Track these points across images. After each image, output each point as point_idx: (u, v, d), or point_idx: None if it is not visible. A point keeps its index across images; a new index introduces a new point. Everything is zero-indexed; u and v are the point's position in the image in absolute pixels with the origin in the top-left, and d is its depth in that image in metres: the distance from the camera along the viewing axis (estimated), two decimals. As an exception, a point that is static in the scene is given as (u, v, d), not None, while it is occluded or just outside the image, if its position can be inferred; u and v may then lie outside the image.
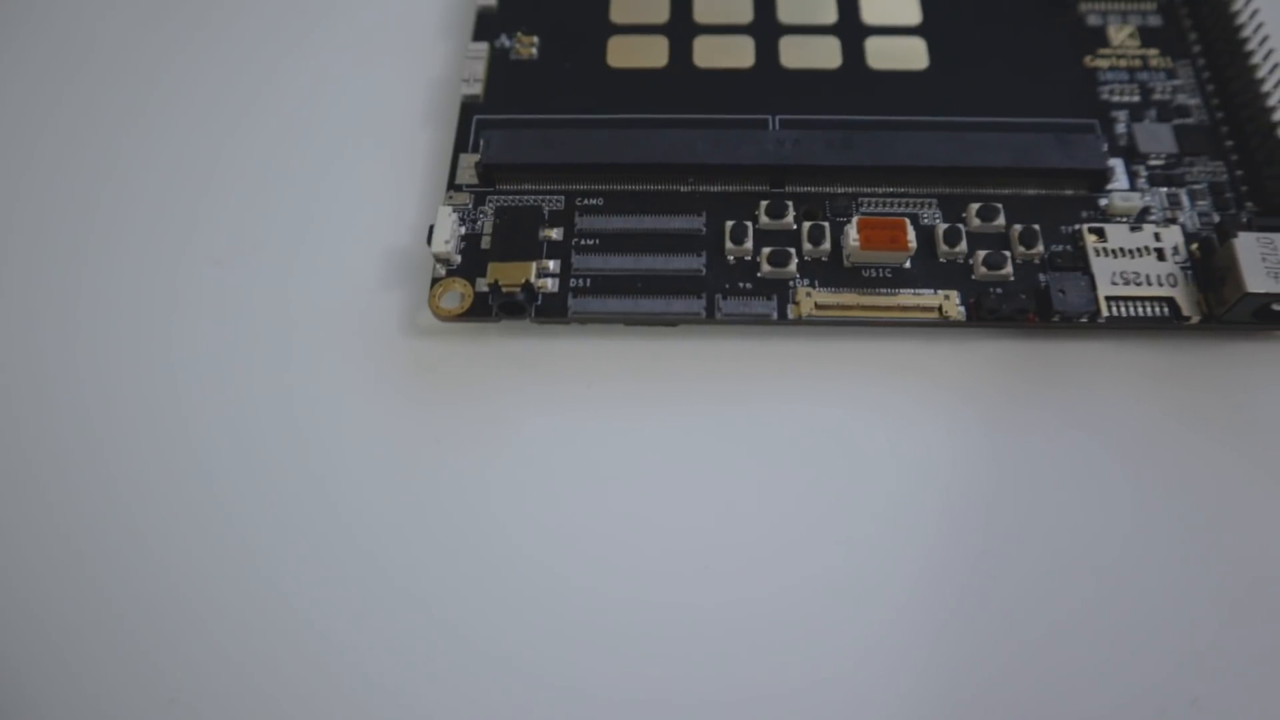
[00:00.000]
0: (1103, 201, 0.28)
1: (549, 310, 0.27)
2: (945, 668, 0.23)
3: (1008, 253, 0.27)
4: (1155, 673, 0.23)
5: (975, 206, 0.27)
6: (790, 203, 0.28)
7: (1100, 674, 0.23)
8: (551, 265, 0.27)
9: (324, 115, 0.32)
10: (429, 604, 0.24)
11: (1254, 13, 0.30)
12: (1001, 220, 0.27)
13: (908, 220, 0.27)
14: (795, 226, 0.27)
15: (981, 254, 0.27)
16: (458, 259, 0.27)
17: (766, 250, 0.27)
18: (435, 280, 0.27)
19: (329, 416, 0.27)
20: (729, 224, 0.27)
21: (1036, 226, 0.27)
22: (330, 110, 0.32)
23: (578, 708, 0.23)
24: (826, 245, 0.27)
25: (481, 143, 0.28)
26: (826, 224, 0.27)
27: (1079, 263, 0.27)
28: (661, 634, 0.24)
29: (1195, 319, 0.26)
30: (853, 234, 0.26)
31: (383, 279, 0.29)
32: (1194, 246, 0.27)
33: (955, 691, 0.23)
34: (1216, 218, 0.28)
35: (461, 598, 0.24)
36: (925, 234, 0.27)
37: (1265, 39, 0.29)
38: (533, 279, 0.26)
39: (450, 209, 0.28)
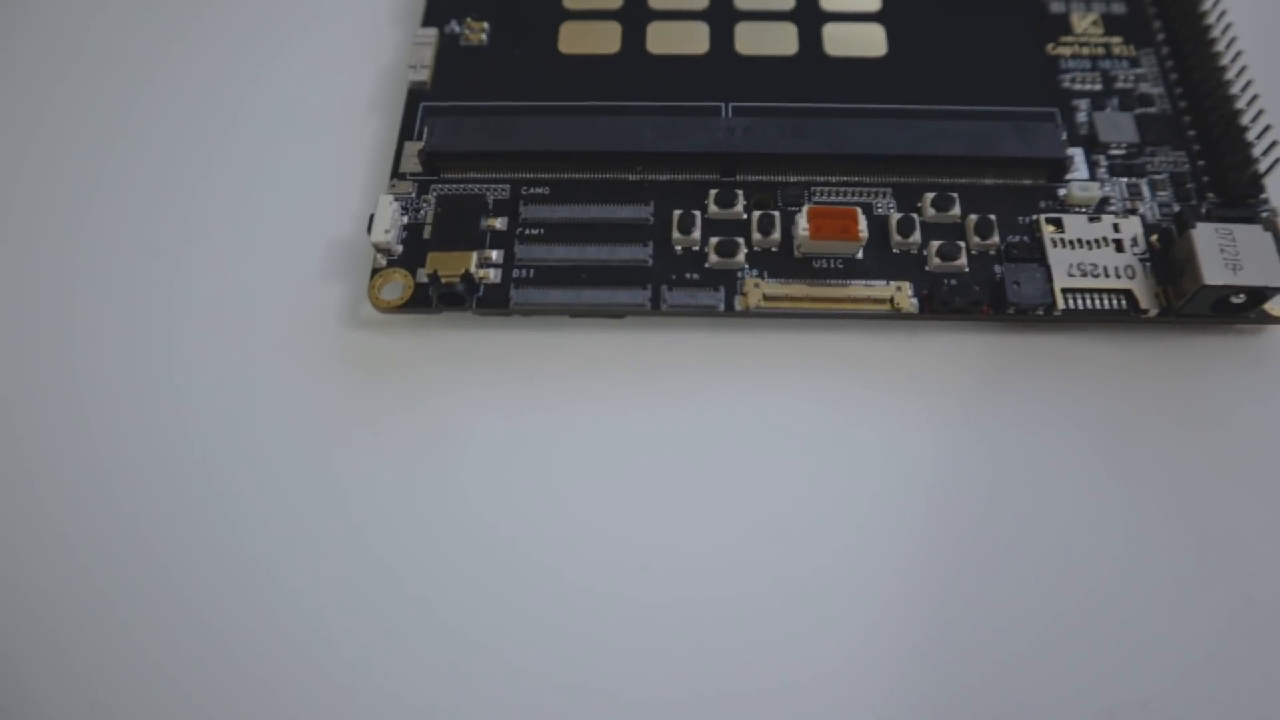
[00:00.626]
0: (1061, 191, 0.27)
1: (491, 301, 0.26)
2: (895, 660, 0.23)
3: (963, 243, 0.26)
4: (1107, 673, 0.22)
5: (930, 196, 0.27)
6: (740, 192, 0.27)
7: (1050, 674, 0.22)
8: (495, 255, 0.27)
9: (271, 103, 0.31)
10: (365, 595, 0.24)
11: (1218, 1, 0.29)
12: (957, 210, 0.27)
13: (859, 210, 0.26)
14: (745, 216, 0.27)
15: (936, 244, 0.26)
16: (399, 249, 0.27)
17: (714, 240, 0.26)
18: (376, 271, 0.27)
19: (266, 408, 0.26)
20: (676, 213, 0.26)
21: (993, 217, 0.26)
22: (277, 98, 0.31)
23: (513, 702, 0.22)
24: (776, 235, 0.26)
25: (425, 131, 0.28)
26: (777, 213, 0.26)
27: (1036, 254, 0.26)
28: (599, 628, 0.23)
29: (1153, 312, 0.25)
30: (802, 223, 0.26)
31: (326, 269, 0.28)
32: (1153, 238, 0.27)
33: (904, 690, 0.22)
34: (1177, 208, 0.27)
35: (398, 589, 0.24)
36: (879, 224, 0.27)
37: (1228, 27, 0.29)
38: (472, 269, 0.26)
39: (392, 198, 0.27)
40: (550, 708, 0.22)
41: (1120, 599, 0.23)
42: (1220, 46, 0.29)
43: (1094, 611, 0.23)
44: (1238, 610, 0.23)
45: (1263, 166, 0.27)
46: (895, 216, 0.26)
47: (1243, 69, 0.28)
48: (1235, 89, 0.28)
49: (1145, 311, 0.25)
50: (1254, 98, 0.27)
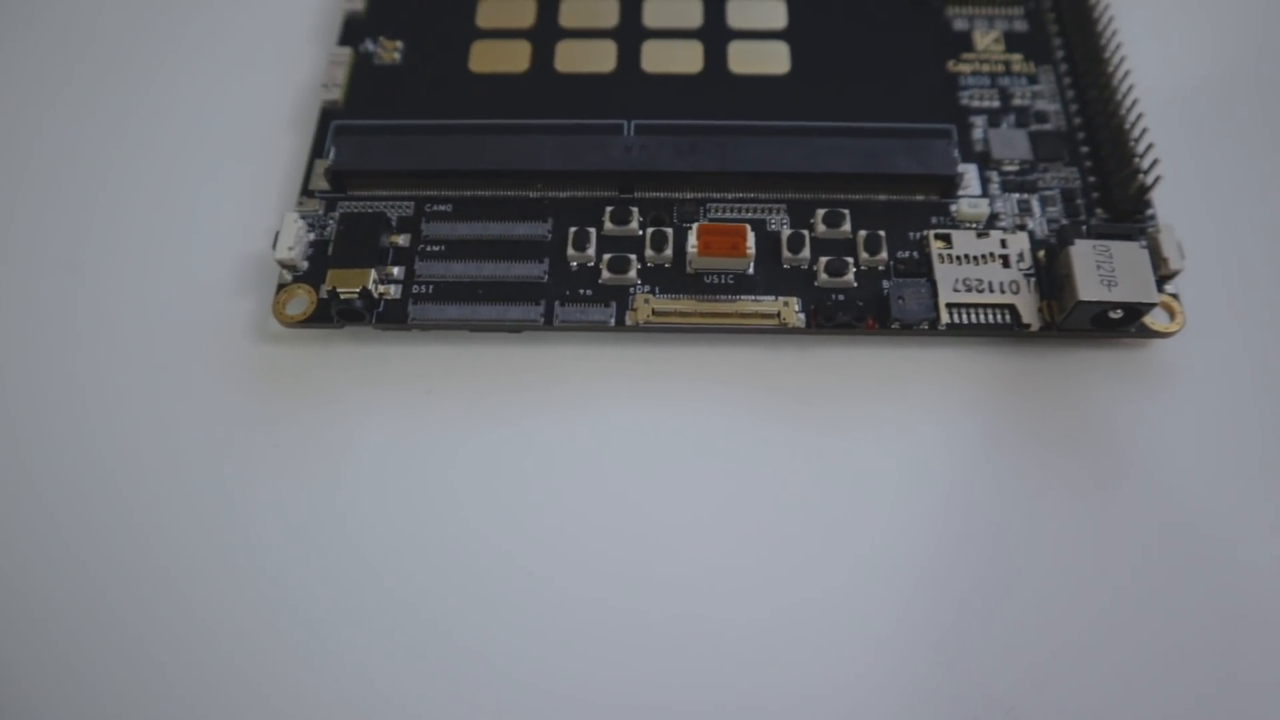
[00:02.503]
0: (953, 208, 0.28)
1: (390, 317, 0.27)
2: (771, 667, 0.23)
3: (850, 259, 0.27)
4: (972, 680, 0.23)
5: (821, 212, 0.27)
6: (636, 209, 0.28)
7: (916, 681, 0.23)
8: (396, 271, 0.27)
9: (189, 121, 0.31)
10: (261, 606, 0.24)
11: (1110, 19, 0.30)
12: (848, 226, 0.27)
13: (749, 227, 0.27)
14: (641, 232, 0.27)
15: (824, 260, 0.27)
16: (305, 265, 0.27)
17: (607, 257, 0.27)
18: (281, 286, 0.27)
19: (171, 421, 0.27)
20: (571, 230, 0.27)
21: (882, 233, 0.27)
22: (196, 116, 0.32)
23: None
24: (669, 252, 0.27)
25: (332, 149, 0.28)
26: (670, 230, 0.27)
27: (923, 269, 0.27)
28: (484, 641, 0.24)
29: (1035, 326, 0.26)
30: (692, 241, 0.26)
31: (237, 285, 0.29)
32: (1040, 254, 0.27)
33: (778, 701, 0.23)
34: (1066, 224, 0.28)
35: (293, 601, 0.24)
36: (772, 240, 0.27)
37: (1119, 46, 0.29)
38: (370, 286, 0.26)
39: (297, 215, 0.27)
40: None
41: (988, 610, 0.24)
42: (1113, 65, 0.29)
43: (966, 622, 0.24)
44: (1106, 617, 0.24)
45: (1148, 182, 0.27)
46: (786, 233, 0.27)
47: (1130, 86, 0.28)
48: (1124, 107, 0.28)
49: (1027, 326, 0.26)
50: (1139, 116, 0.28)
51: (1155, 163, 0.27)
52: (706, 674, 0.23)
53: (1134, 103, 0.28)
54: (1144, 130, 0.27)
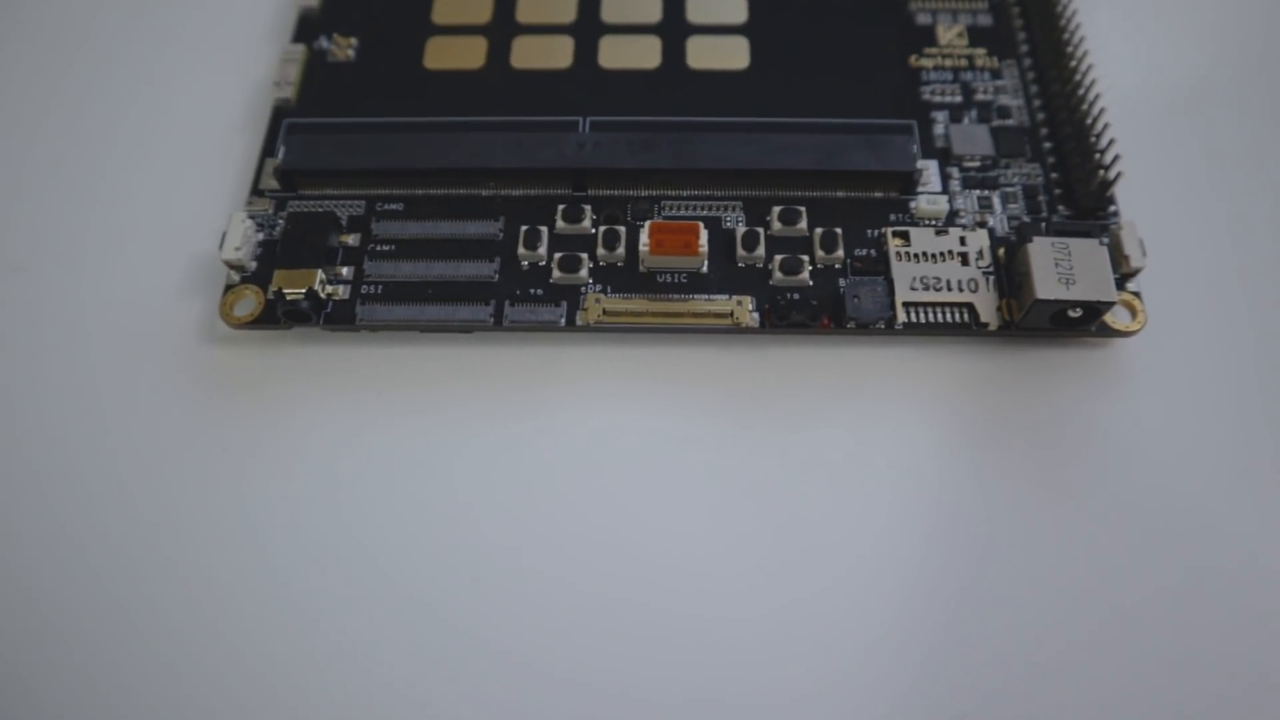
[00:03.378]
0: (912, 205, 0.27)
1: (338, 317, 0.26)
2: (732, 663, 0.23)
3: (805, 257, 0.26)
4: (926, 687, 0.23)
5: (777, 210, 0.27)
6: (588, 207, 0.27)
7: (866, 686, 0.23)
8: (345, 271, 0.27)
9: (141, 120, 0.31)
10: (211, 608, 0.24)
11: (1074, 14, 0.29)
12: (804, 224, 0.27)
13: (701, 225, 0.26)
14: (594, 231, 0.27)
15: (779, 259, 0.26)
16: (253, 265, 0.27)
17: (558, 256, 0.26)
18: (229, 287, 0.27)
19: (120, 422, 0.26)
20: (523, 229, 0.27)
21: (838, 230, 0.27)
22: (148, 115, 0.31)
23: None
24: (621, 250, 0.26)
25: (282, 148, 0.28)
26: (622, 229, 0.27)
27: (881, 267, 0.26)
28: (430, 644, 0.23)
29: (994, 326, 0.26)
30: (644, 239, 0.26)
31: (187, 286, 0.28)
32: (1001, 251, 0.27)
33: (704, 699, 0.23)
34: (1028, 220, 0.27)
35: (242, 602, 0.24)
36: (728, 238, 0.27)
37: (1082, 40, 0.29)
38: (316, 286, 0.26)
39: (245, 215, 0.27)
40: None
41: (950, 605, 0.23)
42: (1076, 60, 0.29)
43: (922, 617, 0.23)
44: (1066, 615, 0.23)
45: (1110, 178, 0.27)
46: (741, 231, 0.27)
47: (1093, 81, 0.28)
48: (1087, 102, 0.28)
49: (986, 325, 0.26)
50: (1101, 110, 0.27)
51: (1117, 159, 0.26)
52: (655, 668, 0.23)
53: (1096, 98, 0.27)
54: (1106, 126, 0.27)
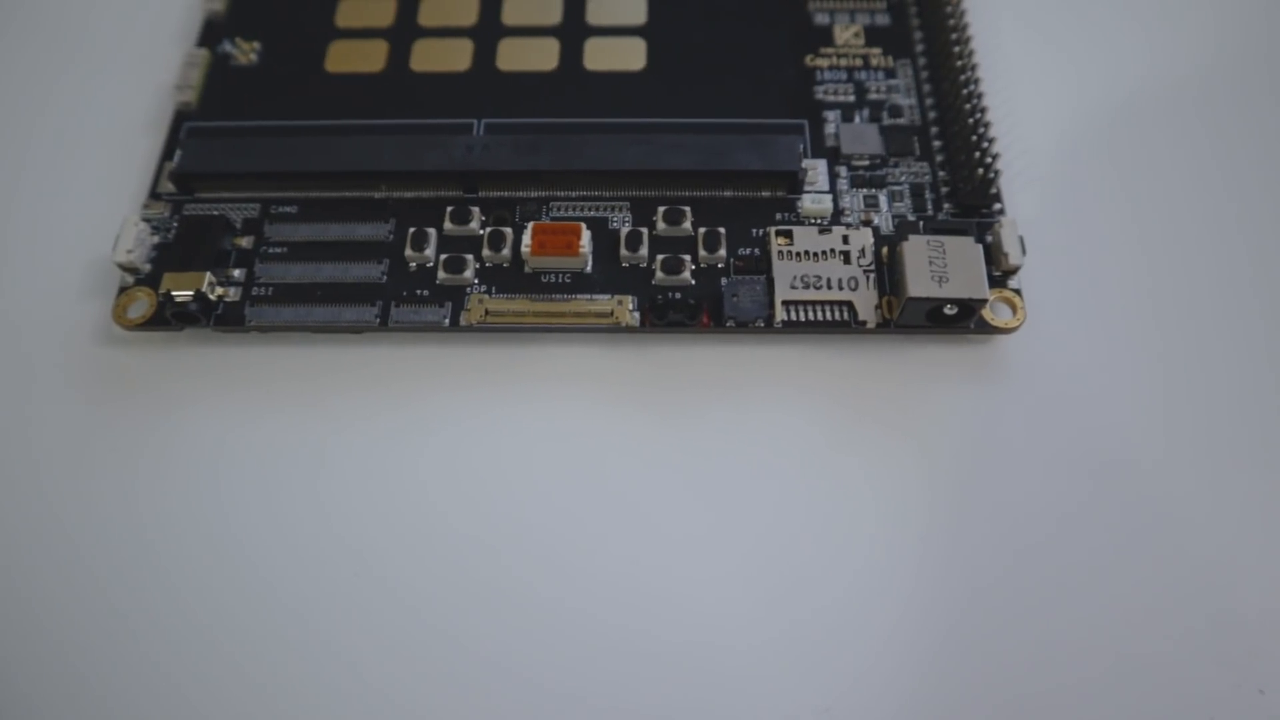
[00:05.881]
0: (799, 204, 0.28)
1: (228, 319, 0.27)
2: (629, 664, 0.23)
3: (687, 257, 0.27)
4: (787, 682, 0.23)
5: (662, 210, 0.27)
6: (476, 209, 0.27)
7: (731, 682, 0.23)
8: (237, 274, 0.27)
9: (44, 122, 0.31)
10: (105, 609, 0.24)
11: (963, 14, 0.30)
12: (689, 224, 0.27)
13: (584, 225, 0.26)
14: (482, 232, 0.27)
15: (660, 258, 0.26)
16: (147, 268, 0.27)
17: (443, 257, 0.27)
18: (122, 289, 0.27)
19: (13, 426, 0.26)
20: (410, 231, 0.27)
21: (721, 230, 0.27)
22: (51, 117, 0.31)
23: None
24: (507, 251, 0.27)
25: (178, 152, 0.28)
26: (509, 230, 0.27)
27: (764, 266, 0.27)
28: (314, 639, 0.24)
29: (872, 324, 0.26)
30: (526, 239, 0.26)
31: (84, 289, 0.28)
32: (884, 250, 0.27)
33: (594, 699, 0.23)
34: (912, 219, 0.27)
35: (134, 603, 0.24)
36: (612, 239, 0.27)
37: (970, 39, 0.29)
38: (204, 288, 0.26)
39: (138, 218, 0.27)
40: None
41: (825, 604, 0.24)
42: (962, 60, 0.29)
43: (798, 616, 0.24)
44: (944, 613, 0.24)
45: (991, 175, 0.27)
46: (624, 231, 0.27)
47: (979, 79, 0.28)
48: (973, 100, 0.28)
49: (864, 323, 0.26)
50: (984, 109, 0.28)
51: (997, 156, 0.27)
52: (551, 671, 0.23)
53: (981, 96, 0.28)
54: (988, 124, 0.27)
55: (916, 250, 0.25)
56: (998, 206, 0.27)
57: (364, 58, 0.31)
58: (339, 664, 0.24)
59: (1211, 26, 0.32)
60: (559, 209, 0.28)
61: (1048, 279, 0.27)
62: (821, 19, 0.31)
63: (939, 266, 0.25)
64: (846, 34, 0.31)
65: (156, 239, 0.28)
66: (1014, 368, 0.27)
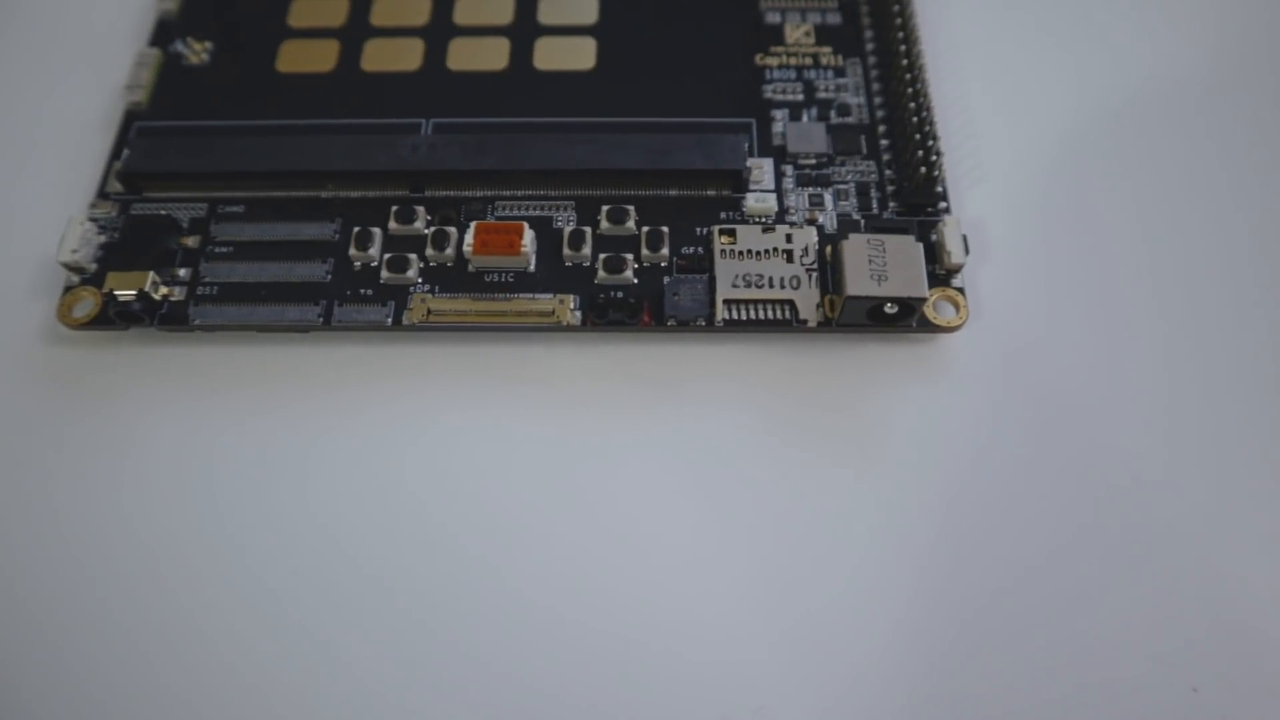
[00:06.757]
0: (745, 203, 0.28)
1: (172, 318, 0.27)
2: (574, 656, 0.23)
3: (630, 255, 0.27)
4: (720, 683, 0.23)
5: (606, 209, 0.27)
6: (421, 208, 0.27)
7: (667, 680, 0.23)
8: (182, 273, 0.27)
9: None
10: (51, 607, 0.24)
11: (913, 14, 0.30)
12: (632, 223, 0.27)
13: (526, 225, 0.26)
14: (427, 232, 0.27)
15: (603, 257, 0.26)
16: (93, 267, 0.27)
17: (386, 256, 0.27)
18: (68, 289, 0.27)
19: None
20: (354, 230, 0.27)
21: (665, 229, 0.27)
22: (3, 116, 0.31)
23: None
24: (451, 251, 0.27)
25: (125, 151, 0.28)
26: (453, 229, 0.27)
27: (706, 265, 0.27)
28: (263, 637, 0.24)
29: (813, 322, 0.26)
30: (469, 239, 0.26)
31: (31, 288, 0.28)
32: (827, 249, 0.27)
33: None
34: (857, 218, 0.27)
35: (79, 602, 0.24)
36: (556, 238, 0.27)
37: (918, 39, 0.29)
38: (148, 287, 0.26)
39: (84, 217, 0.27)
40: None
41: (770, 604, 0.24)
42: (909, 57, 0.29)
43: (724, 613, 0.24)
44: (886, 611, 0.24)
45: (936, 174, 0.27)
46: (568, 230, 0.27)
47: (926, 79, 0.28)
48: (918, 99, 0.28)
49: (805, 322, 0.26)
50: (930, 108, 0.28)
51: (940, 155, 0.27)
52: (462, 662, 0.23)
53: (926, 95, 0.28)
54: (933, 123, 0.27)
55: (856, 249, 0.25)
56: (943, 205, 0.28)
57: (315, 58, 0.31)
58: (284, 663, 0.24)
59: (1167, 24, 0.32)
60: (505, 208, 0.28)
61: (993, 277, 0.27)
62: (773, 18, 0.31)
63: (878, 265, 0.25)
64: (797, 33, 0.31)
65: (103, 238, 0.28)
66: (958, 366, 0.27)
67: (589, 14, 0.31)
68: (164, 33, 0.32)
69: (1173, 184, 0.29)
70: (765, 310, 0.26)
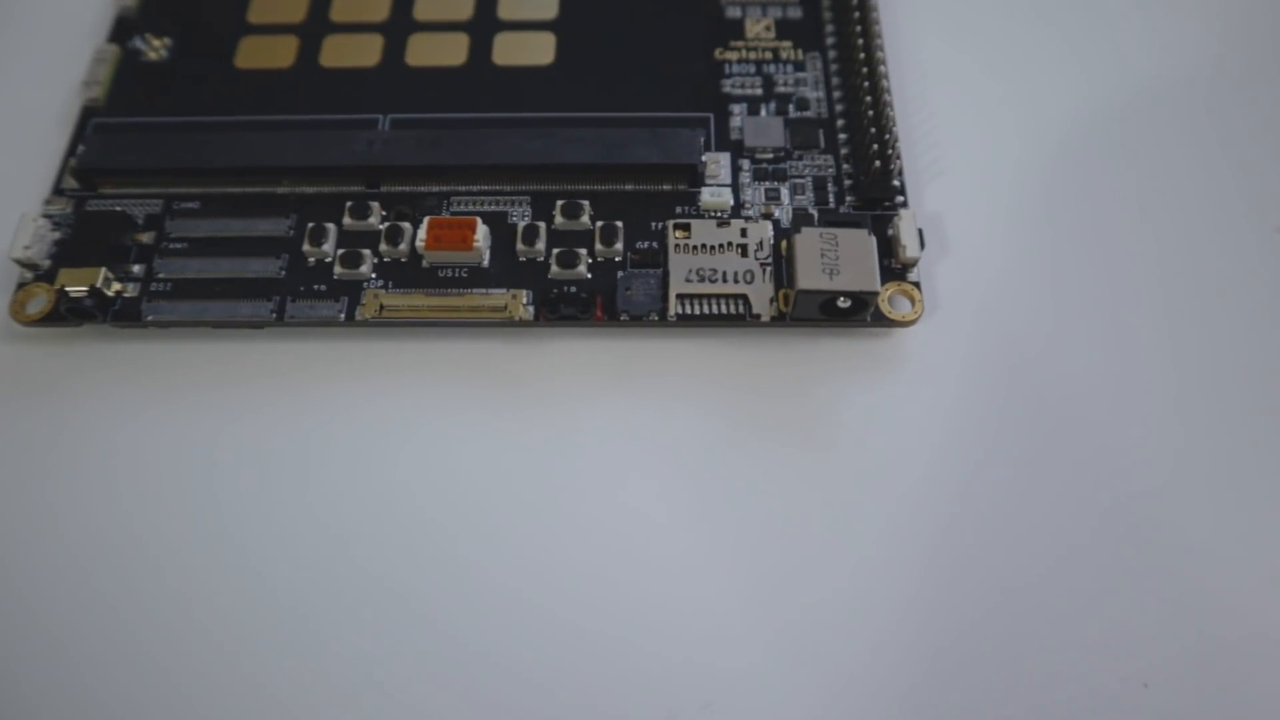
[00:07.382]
0: (700, 197, 0.28)
1: (126, 315, 0.26)
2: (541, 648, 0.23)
3: (583, 250, 0.26)
4: (669, 676, 0.23)
5: (560, 204, 0.27)
6: (376, 204, 0.27)
7: (613, 675, 0.23)
8: (136, 269, 0.27)
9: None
10: None
11: (872, 8, 0.29)
12: (587, 218, 0.27)
13: (479, 220, 0.26)
14: (380, 227, 0.27)
15: (556, 252, 0.26)
16: (46, 263, 0.27)
17: (340, 252, 0.27)
18: (21, 285, 0.27)
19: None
20: (309, 226, 0.27)
21: (619, 224, 0.27)
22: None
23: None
24: (404, 246, 0.27)
25: (80, 147, 0.28)
26: (408, 225, 0.27)
27: (660, 259, 0.27)
28: (210, 635, 0.24)
29: (766, 317, 0.26)
30: (421, 234, 0.26)
31: (-7, 284, 0.29)
32: (783, 244, 0.27)
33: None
34: (813, 212, 0.27)
35: (15, 606, 0.24)
36: (510, 233, 0.27)
37: (879, 33, 0.29)
38: (100, 284, 0.26)
39: (37, 213, 0.27)
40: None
41: (719, 602, 0.24)
42: (867, 51, 0.29)
43: (678, 608, 0.24)
44: (838, 608, 0.24)
45: (893, 168, 0.27)
46: (521, 225, 0.27)
47: (886, 73, 0.28)
48: (878, 92, 0.28)
49: (758, 316, 0.26)
50: (888, 102, 0.27)
51: (897, 148, 0.26)
52: (412, 659, 0.23)
53: (886, 89, 0.27)
54: (890, 117, 0.27)
55: (808, 243, 0.25)
56: (900, 200, 0.27)
57: (274, 53, 0.31)
58: (236, 663, 0.24)
59: (1125, 17, 0.32)
60: (460, 204, 0.28)
61: (952, 272, 0.27)
62: (733, 12, 0.31)
63: (830, 259, 0.25)
64: (758, 27, 0.31)
65: (57, 235, 0.28)
66: (912, 360, 0.26)
67: (549, 9, 0.31)
68: (123, 29, 0.32)
69: (1137, 178, 0.29)
70: (719, 305, 0.26)
